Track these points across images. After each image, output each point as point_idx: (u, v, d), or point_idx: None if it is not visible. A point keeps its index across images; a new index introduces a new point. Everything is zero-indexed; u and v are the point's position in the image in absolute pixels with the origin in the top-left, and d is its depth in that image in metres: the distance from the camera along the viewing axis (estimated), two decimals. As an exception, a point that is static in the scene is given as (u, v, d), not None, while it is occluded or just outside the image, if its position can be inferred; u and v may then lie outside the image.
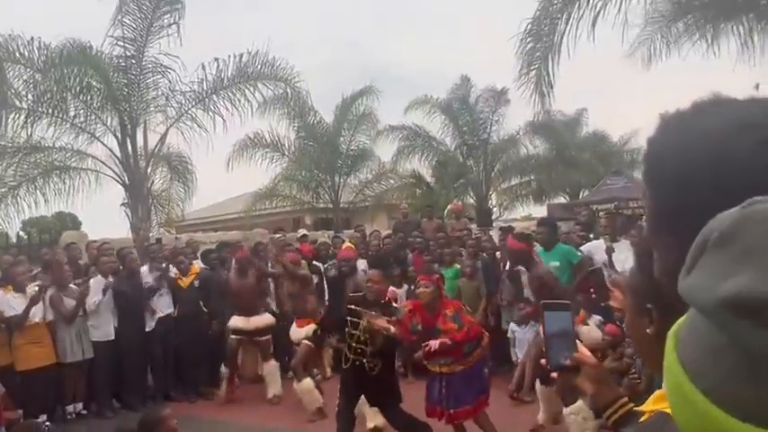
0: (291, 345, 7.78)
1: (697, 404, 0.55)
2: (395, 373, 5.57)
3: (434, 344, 4.88)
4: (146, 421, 3.90)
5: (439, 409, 5.13)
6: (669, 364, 0.59)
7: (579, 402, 4.81)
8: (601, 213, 9.98)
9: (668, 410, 0.86)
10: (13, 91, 10.85)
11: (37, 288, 6.98)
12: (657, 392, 1.20)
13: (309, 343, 6.99)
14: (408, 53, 52.67)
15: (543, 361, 1.55)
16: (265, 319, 7.72)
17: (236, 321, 7.57)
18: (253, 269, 7.74)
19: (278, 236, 9.76)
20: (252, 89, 12.76)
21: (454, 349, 5.03)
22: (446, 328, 5.01)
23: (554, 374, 1.57)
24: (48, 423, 5.66)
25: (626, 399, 1.51)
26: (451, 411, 5.03)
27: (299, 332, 7.15)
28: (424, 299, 5.05)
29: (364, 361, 4.97)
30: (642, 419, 1.17)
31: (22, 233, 12.59)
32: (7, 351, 6.83)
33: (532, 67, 10.75)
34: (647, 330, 0.99)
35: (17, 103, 11.03)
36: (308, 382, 6.79)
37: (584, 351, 1.54)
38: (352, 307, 5.02)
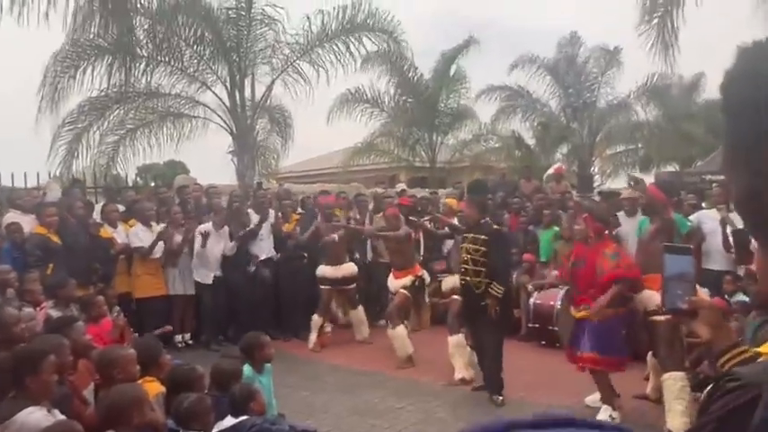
0: (382, 294, 7.96)
1: None
2: (506, 308, 5.67)
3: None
4: (248, 343, 4.37)
5: (570, 352, 5.28)
6: None
7: (680, 372, 4.66)
8: (714, 184, 9.35)
9: None
10: (135, 39, 11.50)
11: (164, 225, 7.53)
12: None
13: (405, 292, 7.14)
14: (512, 10, 50.72)
15: (659, 302, 1.51)
16: (351, 267, 7.91)
17: (324, 270, 7.79)
18: (340, 227, 7.90)
19: (380, 190, 9.89)
20: (355, 42, 12.81)
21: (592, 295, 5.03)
22: (603, 267, 5.00)
23: (668, 317, 1.53)
24: (161, 346, 6.15)
25: (745, 347, 1.44)
26: (579, 354, 5.11)
27: (397, 282, 7.28)
28: (578, 235, 5.35)
29: (468, 279, 5.52)
30: (760, 360, 1.13)
31: (138, 179, 13.40)
32: (127, 279, 7.47)
33: (655, 15, 10.01)
34: None
35: (139, 51, 11.69)
36: (401, 329, 6.95)
37: (702, 295, 1.48)
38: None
